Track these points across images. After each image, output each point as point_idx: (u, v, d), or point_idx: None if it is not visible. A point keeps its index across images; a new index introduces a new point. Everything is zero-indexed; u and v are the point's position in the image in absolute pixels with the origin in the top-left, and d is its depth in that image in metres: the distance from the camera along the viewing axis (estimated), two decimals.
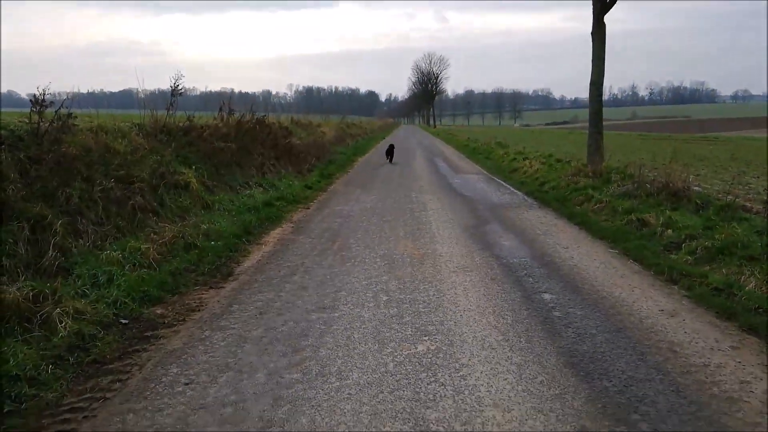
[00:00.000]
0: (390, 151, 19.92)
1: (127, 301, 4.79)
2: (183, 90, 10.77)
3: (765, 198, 8.48)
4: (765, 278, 5.34)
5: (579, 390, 3.42)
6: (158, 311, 4.81)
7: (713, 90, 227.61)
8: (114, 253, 5.68)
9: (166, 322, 4.60)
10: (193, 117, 11.29)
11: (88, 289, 4.85)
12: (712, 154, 21.55)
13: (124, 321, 4.54)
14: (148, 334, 4.35)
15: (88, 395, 3.38)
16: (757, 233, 6.39)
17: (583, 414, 3.14)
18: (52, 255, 5.17)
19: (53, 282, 4.68)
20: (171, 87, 10.47)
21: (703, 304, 5.00)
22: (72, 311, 4.28)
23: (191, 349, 4.03)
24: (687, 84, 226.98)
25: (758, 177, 12.57)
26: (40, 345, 3.85)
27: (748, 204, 8.33)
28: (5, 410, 3.14)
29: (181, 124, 10.42)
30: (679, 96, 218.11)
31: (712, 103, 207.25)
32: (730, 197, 8.19)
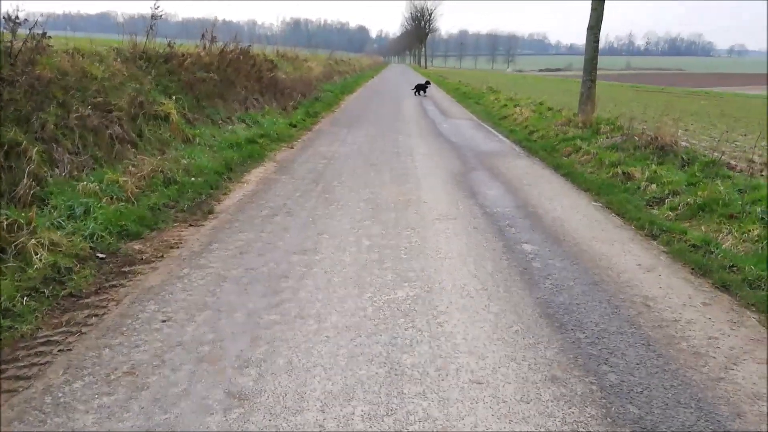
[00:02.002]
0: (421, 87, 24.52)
1: (104, 234, 4.70)
2: (163, 13, 10.25)
3: (750, 156, 8.50)
4: (741, 237, 5.41)
5: (552, 340, 3.48)
6: (136, 247, 4.75)
7: (710, 43, 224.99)
8: (91, 185, 5.53)
9: (144, 258, 4.55)
10: (174, 44, 10.83)
11: (64, 221, 4.74)
12: (703, 110, 21.47)
13: (101, 255, 4.47)
14: (126, 269, 4.30)
15: (64, 329, 3.36)
16: (739, 191, 6.43)
17: (554, 363, 3.21)
18: (27, 183, 5.00)
19: (28, 212, 4.56)
20: (151, 8, 9.96)
21: (680, 260, 5.08)
22: (48, 243, 4.19)
23: (169, 287, 4.00)
24: (684, 36, 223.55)
25: (746, 135, 12.58)
26: (14, 276, 3.79)
27: (732, 162, 8.36)
28: None
29: (161, 51, 9.99)
30: (675, 48, 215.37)
31: (708, 56, 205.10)
32: (716, 154, 8.19)
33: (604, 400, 2.88)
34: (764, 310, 4.05)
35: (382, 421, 2.64)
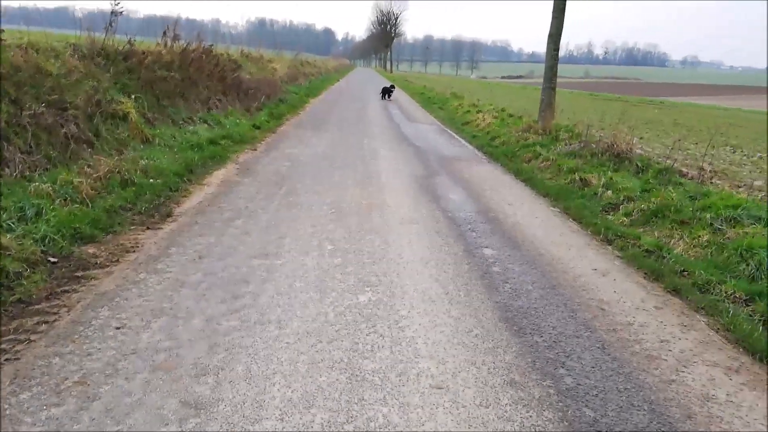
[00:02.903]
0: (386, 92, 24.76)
1: (56, 237, 4.54)
2: (123, 9, 9.98)
3: (701, 164, 8.85)
4: (692, 242, 5.62)
5: (511, 344, 3.54)
6: (90, 250, 4.60)
7: (664, 53, 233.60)
8: (43, 185, 5.34)
9: (98, 262, 4.41)
10: (135, 41, 10.55)
11: (13, 223, 4.55)
12: (657, 118, 22.24)
13: (52, 259, 4.31)
14: (79, 274, 4.17)
15: (12, 337, 3.23)
16: (690, 198, 6.68)
17: (513, 367, 3.26)
18: None
19: None
20: (111, 4, 9.68)
21: (633, 264, 5.24)
22: None
23: (124, 292, 3.89)
24: (641, 46, 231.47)
25: (697, 143, 13.09)
26: None
27: (684, 169, 8.68)
28: None
29: (120, 48, 9.72)
30: (632, 57, 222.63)
31: (663, 66, 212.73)
32: (668, 162, 8.50)
33: (560, 404, 2.94)
34: (713, 314, 4.22)
35: (343, 428, 2.64)
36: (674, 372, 3.35)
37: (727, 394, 3.15)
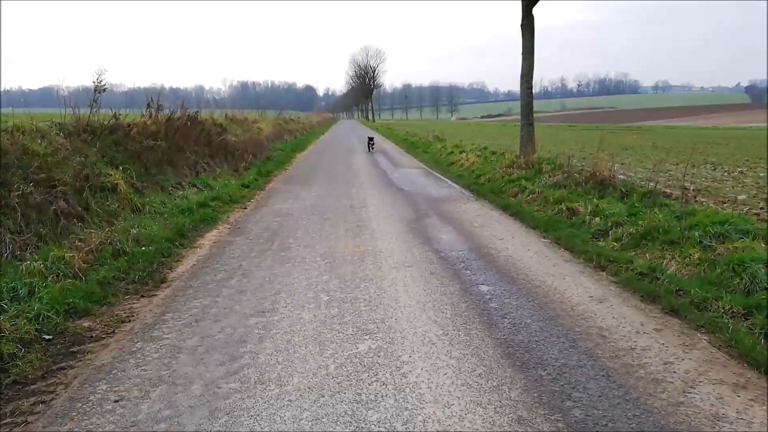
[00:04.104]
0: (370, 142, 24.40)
1: (50, 314, 4.49)
2: (106, 86, 10.23)
3: (683, 184, 9.01)
4: (684, 261, 5.67)
5: (515, 380, 3.51)
6: (85, 324, 4.56)
7: (636, 81, 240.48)
8: (35, 263, 5.33)
9: (94, 335, 4.37)
10: (120, 114, 10.77)
11: (6, 304, 4.52)
12: (636, 143, 22.72)
13: (47, 337, 4.26)
14: (75, 349, 4.11)
15: (9, 420, 3.16)
16: (677, 218, 6.77)
17: (519, 404, 3.23)
18: None
19: None
20: (94, 82, 9.93)
21: (629, 288, 5.27)
22: None
23: (121, 363, 3.84)
24: (612, 76, 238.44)
25: (677, 164, 13.36)
26: None
27: (667, 190, 8.83)
28: None
29: (106, 123, 9.91)
30: (605, 87, 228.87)
31: (635, 93, 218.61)
32: (651, 184, 8.65)
33: None
34: (713, 331, 4.22)
35: None
36: (681, 394, 3.33)
37: (737, 412, 3.12)
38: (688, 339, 4.13)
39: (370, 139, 24.78)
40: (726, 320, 4.33)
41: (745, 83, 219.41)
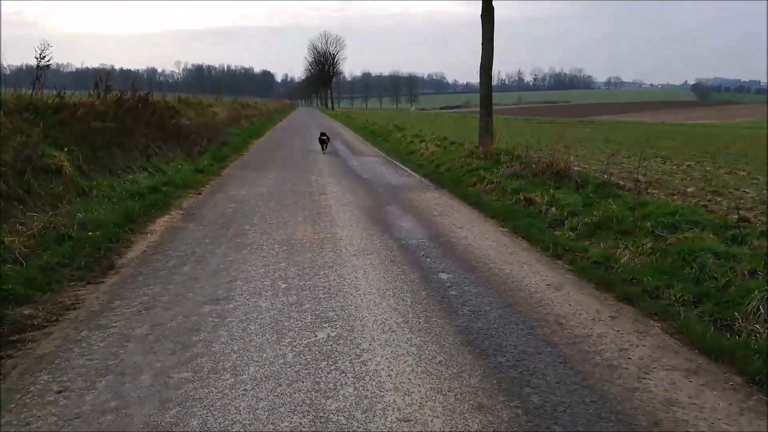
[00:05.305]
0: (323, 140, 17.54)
1: None
2: (51, 62, 9.66)
3: (636, 176, 9.26)
4: (637, 251, 5.81)
5: (475, 367, 3.50)
6: (26, 312, 4.28)
7: (589, 76, 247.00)
8: None
9: (35, 323, 4.10)
10: (65, 94, 10.23)
11: None
12: (589, 137, 23.31)
13: None
14: (14, 338, 3.86)
15: None
16: (630, 209, 6.93)
17: (479, 391, 3.21)
18: None
19: None
20: (36, 59, 9.36)
21: (584, 276, 5.35)
22: None
23: (65, 353, 3.63)
24: (567, 71, 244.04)
25: (629, 157, 13.74)
26: None
27: (621, 182, 9.06)
28: None
29: (50, 102, 9.39)
30: (560, 82, 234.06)
31: (589, 89, 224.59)
32: (606, 176, 8.85)
33: (530, 423, 2.90)
34: (666, 318, 4.33)
35: None
36: (636, 380, 3.39)
37: (689, 397, 3.19)
38: (642, 326, 4.22)
39: (323, 135, 17.69)
40: (677, 308, 4.44)
41: (692, 81, 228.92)
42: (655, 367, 3.55)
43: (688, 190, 9.02)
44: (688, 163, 13.61)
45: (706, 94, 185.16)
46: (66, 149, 8.40)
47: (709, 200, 8.07)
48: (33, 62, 9.41)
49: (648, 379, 3.40)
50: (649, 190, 8.67)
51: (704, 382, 3.37)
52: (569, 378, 3.39)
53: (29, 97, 9.02)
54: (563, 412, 3.01)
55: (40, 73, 9.35)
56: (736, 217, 6.27)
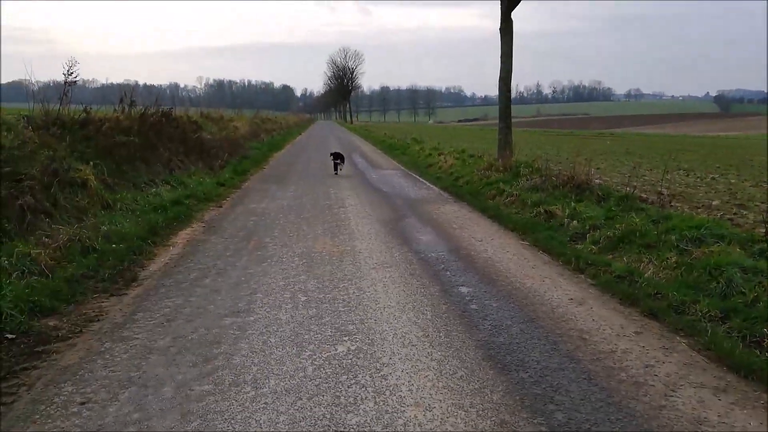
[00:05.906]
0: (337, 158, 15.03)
1: (14, 313, 4.28)
2: (78, 78, 9.92)
3: (659, 189, 9.14)
4: (661, 265, 5.71)
5: (497, 383, 3.46)
6: (51, 323, 4.36)
7: (609, 88, 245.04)
8: None
9: (60, 335, 4.17)
10: (91, 109, 10.47)
11: None
12: (610, 149, 23.09)
13: (10, 336, 4.05)
14: (39, 349, 3.92)
15: None
16: (653, 222, 6.82)
17: (502, 407, 3.17)
18: None
19: None
20: (64, 74, 9.62)
21: (607, 291, 5.27)
22: None
23: (89, 364, 3.67)
24: (586, 83, 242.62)
25: (651, 170, 13.57)
26: None
27: (644, 195, 8.94)
28: None
29: (76, 117, 9.61)
30: (579, 94, 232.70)
31: (608, 101, 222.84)
32: (628, 189, 8.74)
33: None
34: (692, 334, 4.23)
35: None
36: (663, 397, 3.31)
37: (719, 416, 3.11)
38: (668, 342, 4.13)
39: (336, 156, 14.93)
40: (704, 324, 4.34)
41: (713, 93, 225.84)
42: (682, 385, 3.46)
43: (713, 203, 8.85)
44: (712, 175, 13.38)
45: (728, 106, 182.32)
46: (91, 163, 8.59)
47: (734, 213, 7.92)
48: (59, 77, 9.68)
49: (675, 396, 3.32)
50: (672, 203, 8.53)
51: (734, 401, 3.28)
52: (594, 395, 3.32)
53: (56, 113, 9.24)
54: (588, 430, 2.95)
55: (67, 89, 9.60)
56: (764, 230, 6.13)
